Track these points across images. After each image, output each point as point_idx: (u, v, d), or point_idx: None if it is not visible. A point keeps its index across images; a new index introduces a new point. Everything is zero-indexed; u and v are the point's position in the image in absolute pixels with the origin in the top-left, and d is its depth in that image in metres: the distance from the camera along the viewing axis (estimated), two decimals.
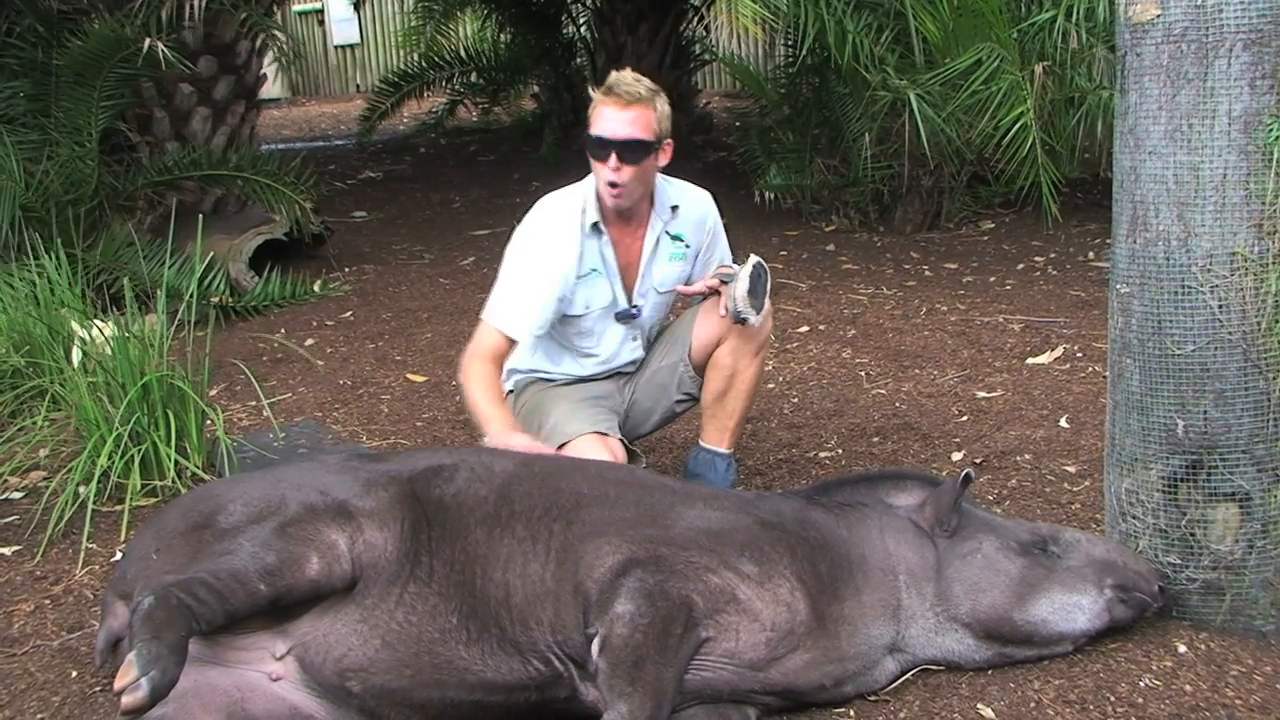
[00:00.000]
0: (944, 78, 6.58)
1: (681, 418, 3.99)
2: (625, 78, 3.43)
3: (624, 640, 2.45)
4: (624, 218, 3.56)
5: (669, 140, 3.49)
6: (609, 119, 3.39)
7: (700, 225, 3.70)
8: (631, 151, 3.39)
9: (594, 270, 3.56)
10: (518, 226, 3.59)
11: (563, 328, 3.63)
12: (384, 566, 2.60)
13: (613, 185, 3.43)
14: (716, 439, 3.71)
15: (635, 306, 3.66)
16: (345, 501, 2.67)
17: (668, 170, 3.63)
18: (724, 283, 3.55)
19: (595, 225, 3.53)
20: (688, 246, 3.68)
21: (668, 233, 3.64)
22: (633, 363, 3.76)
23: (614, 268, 3.59)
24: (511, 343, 3.46)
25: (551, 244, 3.50)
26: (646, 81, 3.46)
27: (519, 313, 3.46)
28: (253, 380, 4.30)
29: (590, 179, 3.56)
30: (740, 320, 3.50)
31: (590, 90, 3.50)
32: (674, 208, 3.63)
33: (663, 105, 3.46)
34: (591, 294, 3.58)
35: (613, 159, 3.39)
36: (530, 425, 3.53)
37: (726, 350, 3.62)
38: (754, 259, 3.52)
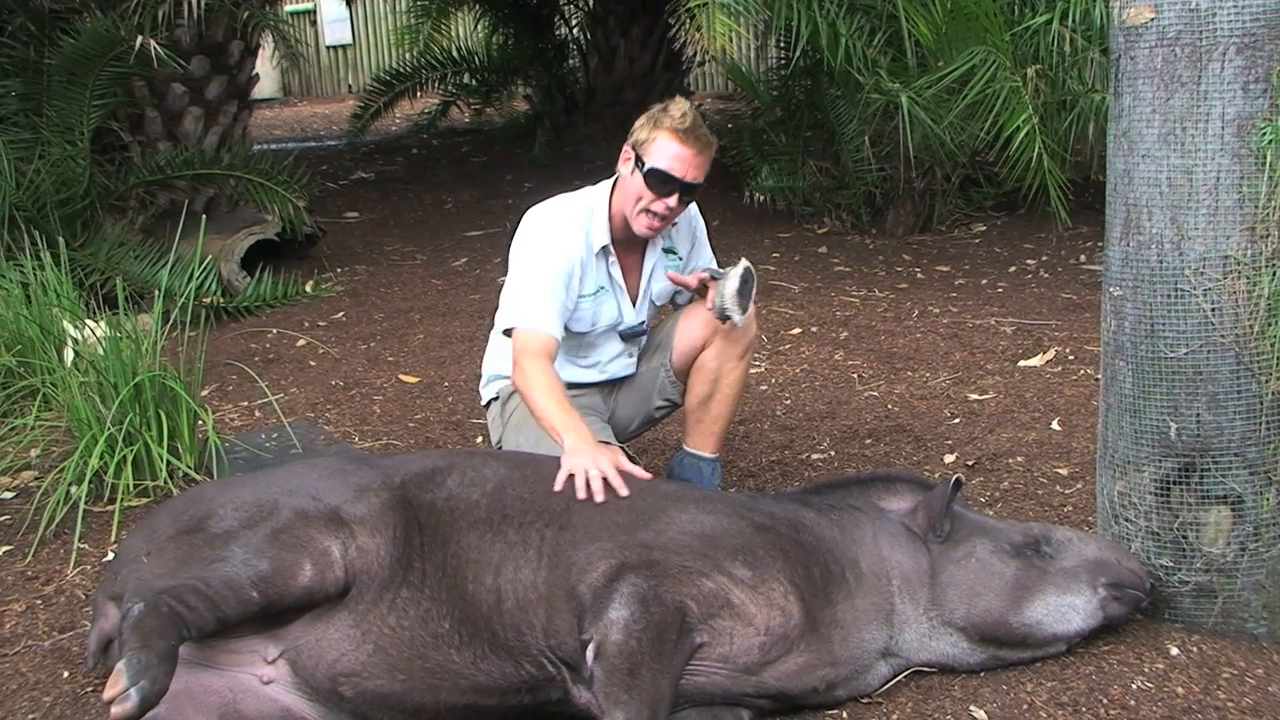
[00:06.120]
0: (938, 82, 6.57)
1: (667, 422, 3.97)
2: (697, 119, 3.34)
3: (619, 647, 2.45)
4: (631, 239, 3.53)
5: None
6: (683, 160, 3.31)
7: (688, 233, 3.70)
8: (693, 194, 3.40)
9: (602, 289, 3.52)
10: (517, 239, 3.48)
11: (566, 341, 3.57)
12: (376, 572, 2.60)
13: (658, 219, 3.39)
14: (701, 443, 3.67)
15: (643, 323, 3.65)
16: (338, 507, 2.65)
17: None
18: (713, 278, 3.55)
19: (605, 249, 3.49)
20: (680, 258, 3.68)
21: (663, 248, 3.64)
22: (624, 376, 3.73)
23: (621, 286, 3.56)
24: (555, 341, 3.32)
25: (560, 252, 3.41)
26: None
27: (548, 311, 3.32)
28: (256, 378, 4.29)
29: (587, 197, 3.51)
30: (724, 318, 3.48)
31: (655, 127, 3.33)
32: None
33: None
34: (599, 311, 3.54)
35: (675, 199, 3.36)
36: (524, 436, 3.45)
37: (712, 354, 3.58)
38: (744, 262, 3.51)
